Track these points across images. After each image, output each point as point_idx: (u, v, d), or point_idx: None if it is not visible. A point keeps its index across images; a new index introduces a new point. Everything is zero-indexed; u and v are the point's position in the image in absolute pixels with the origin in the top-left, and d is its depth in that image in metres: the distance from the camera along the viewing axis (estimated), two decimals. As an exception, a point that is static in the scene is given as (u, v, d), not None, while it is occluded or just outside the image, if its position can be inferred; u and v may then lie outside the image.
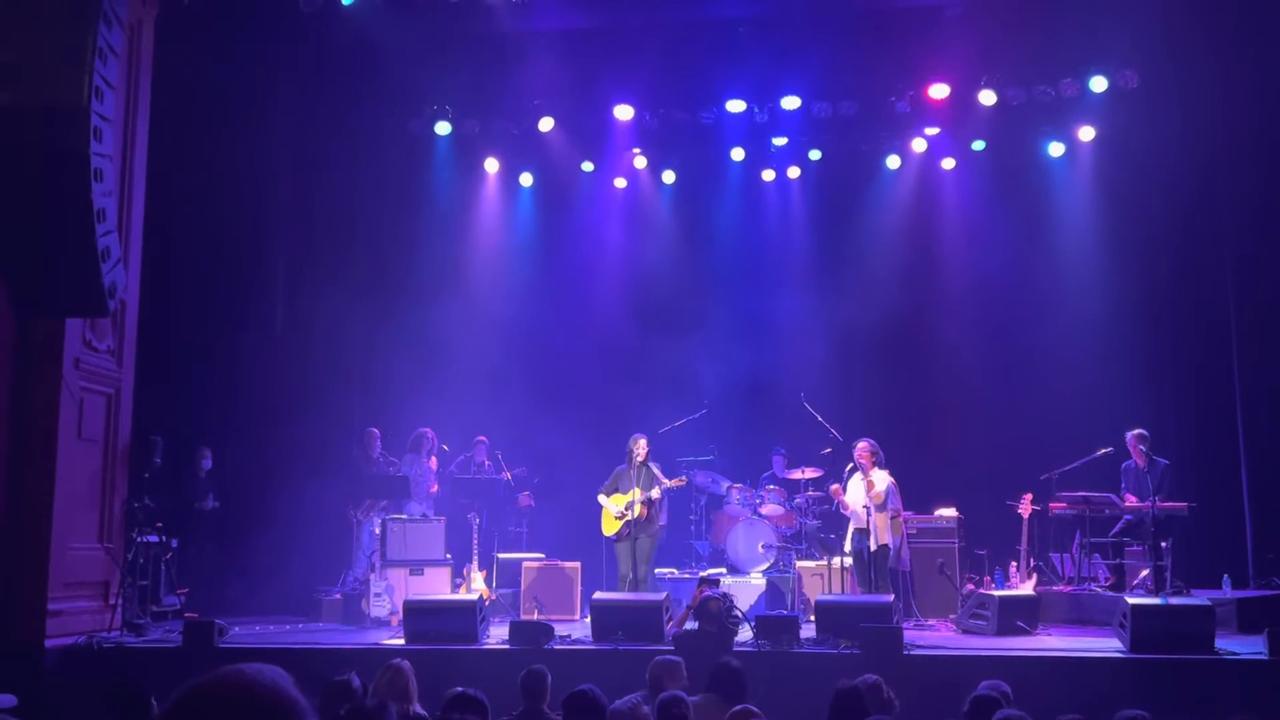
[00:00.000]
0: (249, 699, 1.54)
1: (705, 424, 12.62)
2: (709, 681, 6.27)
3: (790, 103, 13.20)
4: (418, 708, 6.31)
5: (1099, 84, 12.59)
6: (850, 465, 10.96)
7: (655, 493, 11.08)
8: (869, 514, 10.57)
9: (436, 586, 11.32)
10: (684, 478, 11.69)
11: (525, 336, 13.96)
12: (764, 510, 12.22)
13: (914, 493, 11.47)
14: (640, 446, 11.10)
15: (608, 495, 11.19)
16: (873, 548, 10.54)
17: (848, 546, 10.84)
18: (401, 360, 13.21)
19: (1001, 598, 9.80)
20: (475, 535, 11.31)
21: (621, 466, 11.24)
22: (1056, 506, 10.89)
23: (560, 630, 9.50)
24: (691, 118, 13.62)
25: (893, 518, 10.63)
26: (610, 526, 11.11)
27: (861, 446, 10.86)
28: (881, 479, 10.75)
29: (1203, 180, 12.44)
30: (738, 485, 12.54)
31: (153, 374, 10.84)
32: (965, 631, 9.94)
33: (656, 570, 11.70)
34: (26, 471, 9.10)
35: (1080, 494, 10.84)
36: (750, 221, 14.50)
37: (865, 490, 10.66)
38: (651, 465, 11.17)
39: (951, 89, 12.88)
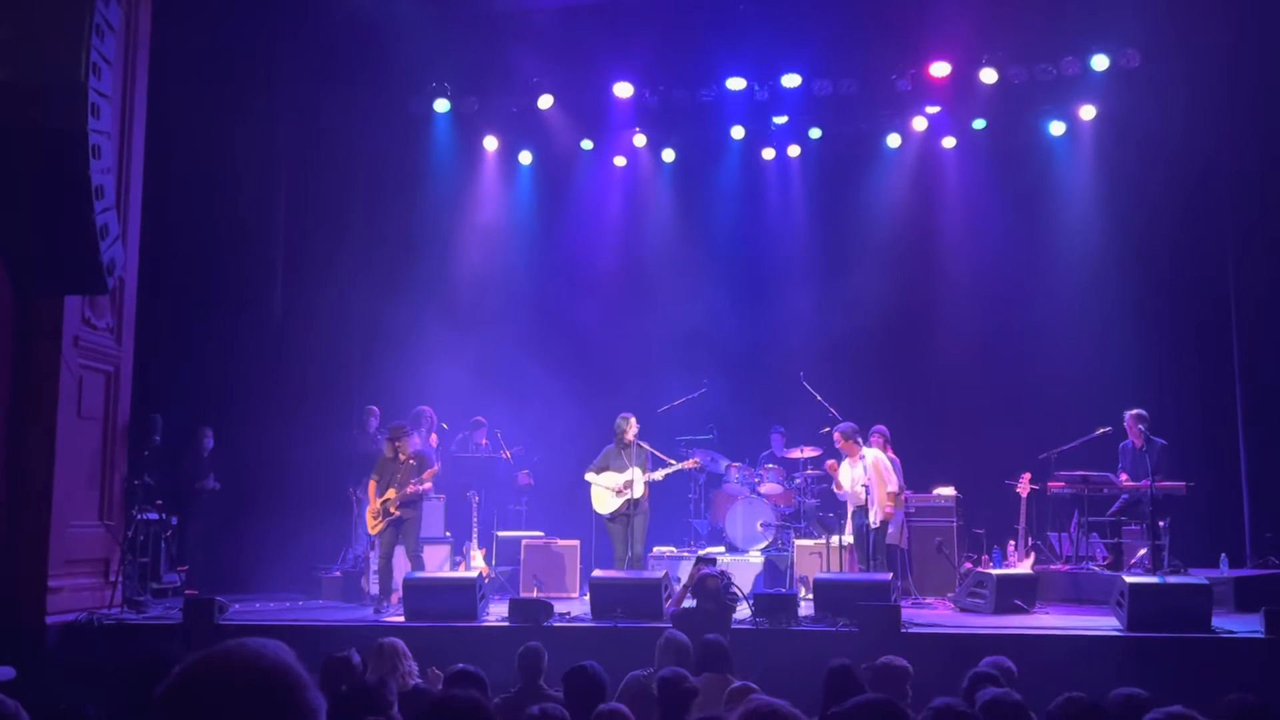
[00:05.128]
0: (251, 673, 1.54)
1: (704, 403, 12.61)
2: (698, 660, 6.32)
3: (790, 80, 13.14)
4: (416, 681, 6.36)
5: (1101, 62, 12.54)
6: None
7: (659, 475, 11.05)
8: (867, 493, 10.56)
9: (436, 564, 11.36)
10: (697, 459, 11.66)
11: (524, 315, 13.95)
12: (763, 489, 12.24)
13: (913, 471, 11.51)
14: (630, 426, 11.06)
15: (597, 474, 11.16)
16: (873, 524, 10.54)
17: (849, 526, 10.84)
18: (401, 338, 13.22)
19: (999, 576, 9.83)
20: (475, 513, 11.33)
21: (609, 446, 11.20)
22: (1055, 486, 10.91)
23: (559, 608, 9.54)
24: (691, 96, 13.57)
25: (892, 495, 10.60)
26: (607, 504, 11.08)
27: (836, 436, 10.82)
28: (873, 455, 10.74)
29: (1204, 159, 12.41)
30: (736, 464, 12.55)
31: (152, 352, 10.84)
32: (963, 610, 9.97)
33: (655, 548, 11.73)
34: (26, 449, 9.11)
35: (1079, 473, 10.87)
36: (750, 200, 14.46)
37: (862, 471, 10.65)
38: (644, 444, 11.12)
39: (953, 67, 12.82)
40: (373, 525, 10.62)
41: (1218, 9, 11.88)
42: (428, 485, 10.66)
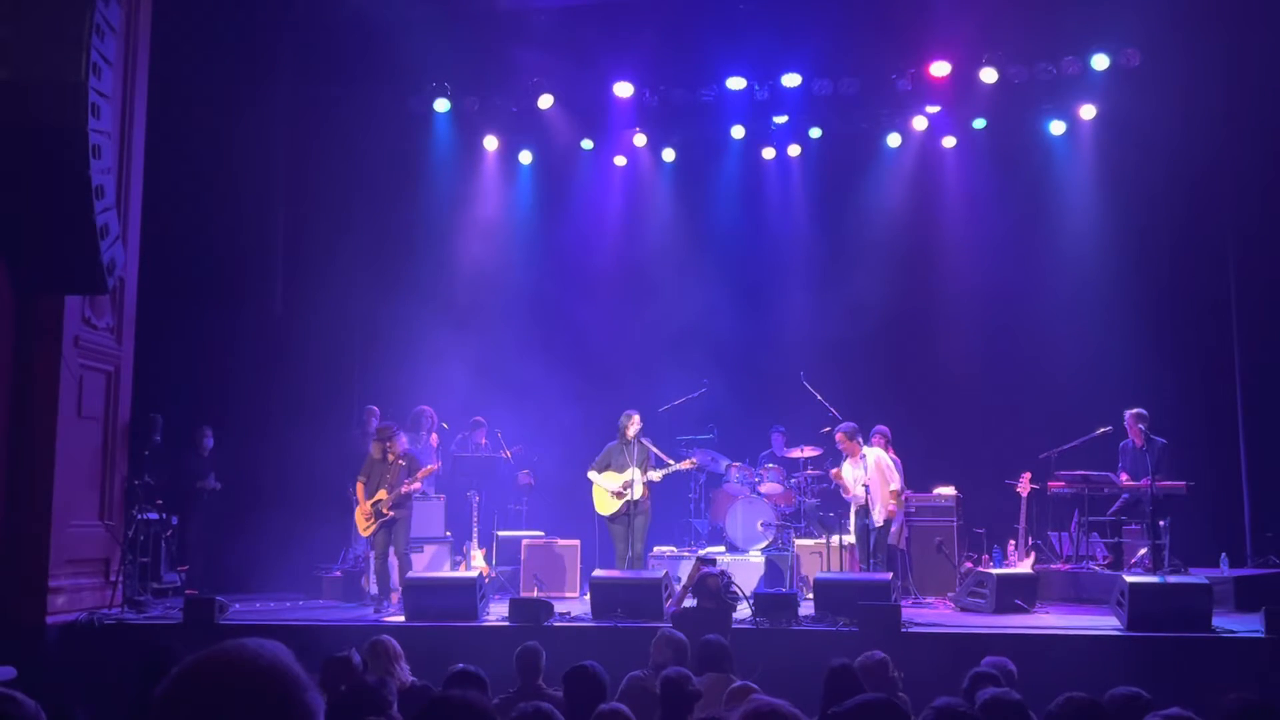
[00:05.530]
0: (250, 673, 1.54)
1: (705, 402, 12.60)
2: (698, 660, 6.33)
3: (791, 80, 13.14)
4: (413, 678, 6.37)
5: (1101, 62, 12.54)
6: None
7: (657, 475, 11.05)
8: (868, 492, 10.56)
9: (436, 564, 11.36)
10: (694, 459, 11.65)
11: (524, 315, 13.96)
12: (763, 489, 12.24)
13: (913, 471, 11.51)
14: (633, 423, 11.08)
15: (599, 472, 11.17)
16: (877, 524, 10.53)
17: (851, 525, 10.84)
18: (401, 338, 13.21)
19: (1000, 576, 9.83)
20: (475, 513, 11.33)
21: (612, 443, 11.22)
22: (1055, 485, 10.91)
23: (560, 608, 9.54)
24: (692, 95, 13.56)
25: (894, 493, 10.60)
26: (608, 506, 11.10)
27: (839, 436, 10.83)
28: (874, 454, 10.73)
29: (1204, 159, 12.39)
30: (737, 464, 12.54)
31: (152, 352, 10.83)
32: (963, 609, 9.97)
33: (656, 548, 11.73)
34: (27, 449, 9.10)
35: (1079, 473, 10.87)
36: (750, 200, 14.46)
37: (864, 471, 10.64)
38: (645, 441, 11.14)
39: (953, 67, 12.82)
40: (363, 527, 10.61)
41: (1218, 9, 11.87)
42: (418, 485, 10.68)
